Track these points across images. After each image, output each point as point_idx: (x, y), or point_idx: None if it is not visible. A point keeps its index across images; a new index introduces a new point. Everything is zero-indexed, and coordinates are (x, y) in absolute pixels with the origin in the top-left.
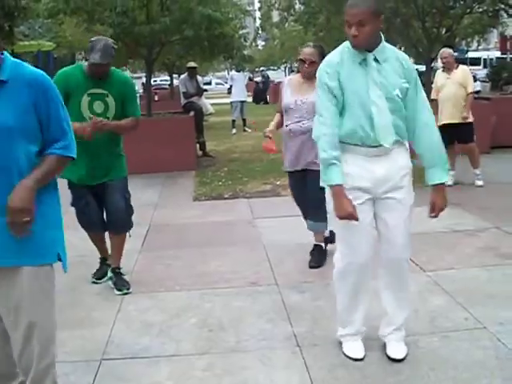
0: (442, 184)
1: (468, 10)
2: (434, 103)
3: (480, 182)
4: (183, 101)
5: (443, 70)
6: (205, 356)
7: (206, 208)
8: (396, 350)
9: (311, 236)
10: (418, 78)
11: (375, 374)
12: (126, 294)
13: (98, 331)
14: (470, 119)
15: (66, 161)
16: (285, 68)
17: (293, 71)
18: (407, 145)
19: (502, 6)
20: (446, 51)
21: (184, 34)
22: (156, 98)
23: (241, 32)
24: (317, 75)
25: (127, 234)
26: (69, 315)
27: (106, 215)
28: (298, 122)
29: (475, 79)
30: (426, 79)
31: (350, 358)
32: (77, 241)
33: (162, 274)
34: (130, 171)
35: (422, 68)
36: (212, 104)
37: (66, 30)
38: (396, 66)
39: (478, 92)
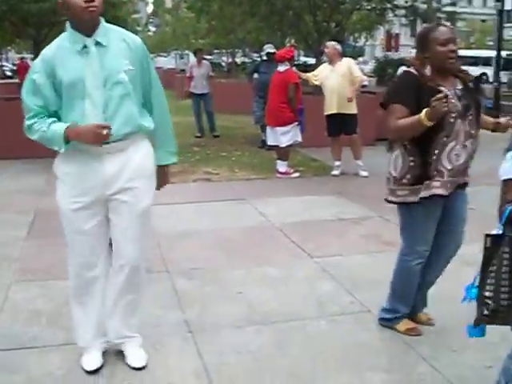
0: (168, 165)
1: (357, 7)
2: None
3: (365, 173)
4: None
5: (329, 63)
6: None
7: None
8: (134, 358)
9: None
10: (150, 60)
11: (266, 357)
12: None
13: None
14: (355, 111)
15: None
16: (175, 55)
17: (182, 58)
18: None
19: (389, 5)
20: (329, 43)
21: None
22: None
23: (133, 16)
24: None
25: None
26: None
27: None
28: None
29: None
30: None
31: (85, 370)
32: None
33: (50, 262)
34: (7, 156)
35: (312, 61)
36: None
37: None
38: (122, 48)
39: (364, 86)
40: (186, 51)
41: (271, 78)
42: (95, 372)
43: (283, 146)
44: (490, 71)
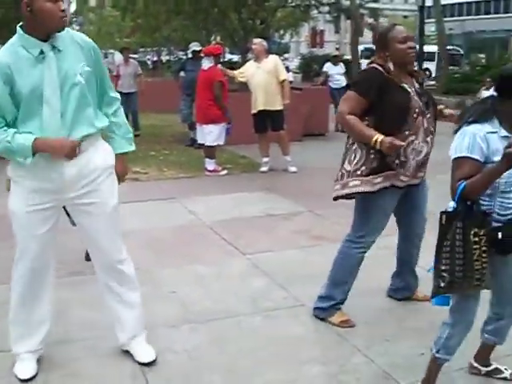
0: (125, 154)
1: (282, 4)
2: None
3: (293, 168)
4: None
5: (255, 60)
6: None
7: None
8: (143, 353)
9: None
10: (99, 57)
11: (203, 356)
12: None
13: None
14: (281, 107)
15: None
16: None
17: (106, 57)
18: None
19: (313, 2)
20: (256, 40)
21: None
22: None
23: None
24: None
25: None
26: None
27: None
28: None
29: (288, 70)
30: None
31: (18, 378)
32: None
33: None
34: None
35: (237, 58)
36: None
37: None
38: (76, 50)
39: (290, 82)
40: (111, 50)
41: (198, 75)
42: (29, 380)
43: (207, 144)
44: (432, 66)
